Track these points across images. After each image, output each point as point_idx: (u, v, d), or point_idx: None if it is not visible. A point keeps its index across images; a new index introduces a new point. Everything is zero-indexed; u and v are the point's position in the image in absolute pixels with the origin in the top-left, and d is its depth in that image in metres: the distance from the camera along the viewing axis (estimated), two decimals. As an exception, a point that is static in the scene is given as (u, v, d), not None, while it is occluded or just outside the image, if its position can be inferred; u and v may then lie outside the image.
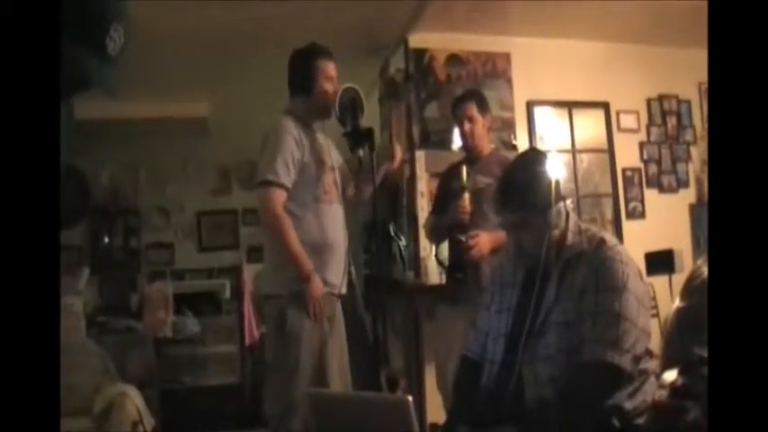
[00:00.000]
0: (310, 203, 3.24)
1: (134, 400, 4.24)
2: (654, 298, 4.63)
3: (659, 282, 4.66)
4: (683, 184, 5.78)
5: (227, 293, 7.25)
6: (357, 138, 3.23)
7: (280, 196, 3.14)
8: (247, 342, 6.80)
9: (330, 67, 3.35)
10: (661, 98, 5.78)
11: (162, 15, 4.23)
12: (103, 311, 6.70)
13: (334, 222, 3.30)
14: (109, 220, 7.30)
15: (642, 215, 5.62)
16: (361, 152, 3.24)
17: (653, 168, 5.72)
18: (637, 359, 2.17)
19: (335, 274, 3.27)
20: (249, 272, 7.09)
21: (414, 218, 5.07)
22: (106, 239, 7.33)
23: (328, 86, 3.33)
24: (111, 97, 1.91)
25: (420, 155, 5.10)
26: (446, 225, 3.74)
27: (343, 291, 3.35)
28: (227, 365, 7.00)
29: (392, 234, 5.51)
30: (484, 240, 3.54)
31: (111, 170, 7.10)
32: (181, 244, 7.57)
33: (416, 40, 5.21)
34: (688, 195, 5.76)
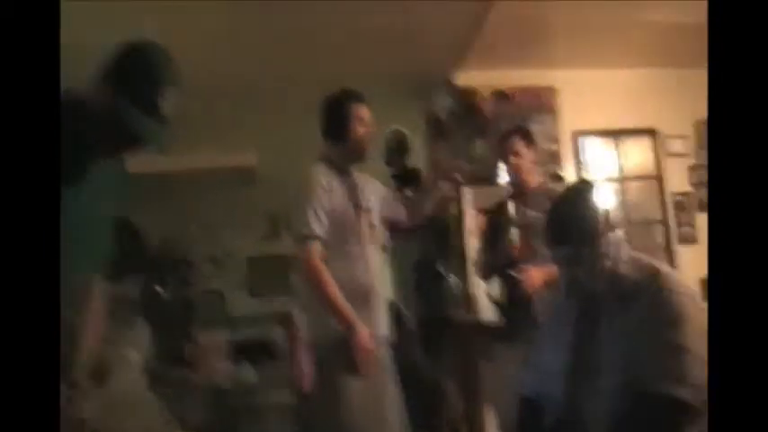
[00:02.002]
0: (347, 249, 3.19)
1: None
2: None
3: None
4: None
5: (281, 341, 7.21)
6: (404, 179, 3.20)
7: (316, 248, 3.10)
8: (303, 390, 6.72)
9: (363, 111, 3.32)
10: (710, 120, 5.67)
11: (208, 70, 4.29)
12: (158, 362, 6.69)
13: (373, 266, 3.26)
14: (161, 271, 7.33)
15: (694, 240, 5.52)
16: (408, 193, 3.20)
17: (704, 192, 5.62)
18: (703, 391, 2.09)
19: (379, 318, 3.22)
20: (301, 319, 6.99)
21: (462, 255, 5.02)
22: (159, 290, 7.36)
23: (362, 130, 3.30)
24: (162, 154, 1.99)
25: (467, 192, 5.07)
26: (496, 261, 3.68)
27: (389, 334, 3.29)
28: (284, 414, 6.93)
29: (442, 273, 5.45)
30: (535, 275, 3.47)
31: (162, 222, 7.16)
32: (233, 292, 7.58)
33: (461, 77, 5.21)
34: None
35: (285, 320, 7.37)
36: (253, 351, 7.09)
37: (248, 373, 6.98)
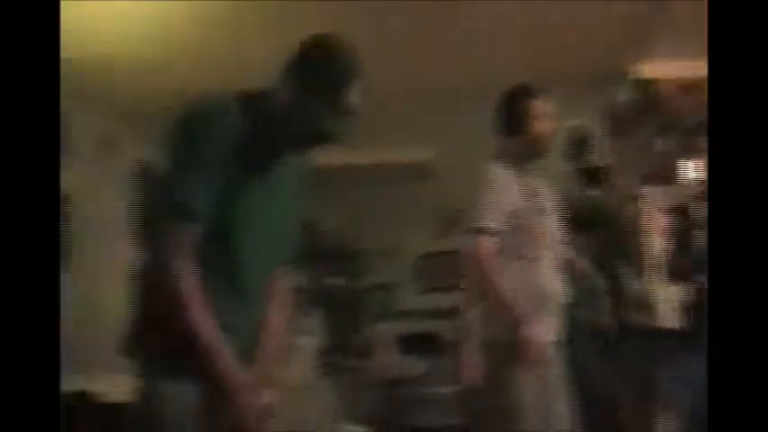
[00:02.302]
0: (522, 251, 3.12)
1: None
2: None
3: None
4: None
5: (449, 335, 7.19)
6: (588, 176, 3.10)
7: (488, 243, 3.06)
8: (467, 383, 6.68)
9: (541, 107, 3.25)
10: None
11: (383, 66, 4.32)
12: (329, 350, 6.84)
13: (548, 269, 3.18)
14: (334, 264, 7.48)
15: None
16: (591, 191, 3.10)
17: None
18: None
19: (552, 320, 3.15)
20: (470, 314, 6.95)
21: (642, 257, 4.81)
22: (330, 281, 7.51)
23: (540, 126, 3.23)
24: (349, 150, 1.99)
25: (648, 191, 4.86)
26: (684, 265, 3.50)
27: (562, 335, 3.21)
28: (450, 407, 6.91)
29: (620, 275, 5.25)
30: None
31: (336, 214, 7.31)
32: (403, 286, 7.62)
33: (644, 69, 4.99)
34: None
35: (453, 315, 7.38)
36: (420, 344, 7.10)
37: (416, 365, 7.01)
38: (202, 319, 1.84)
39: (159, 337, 1.91)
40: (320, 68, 1.93)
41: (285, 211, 2.09)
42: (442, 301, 7.47)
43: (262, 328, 2.11)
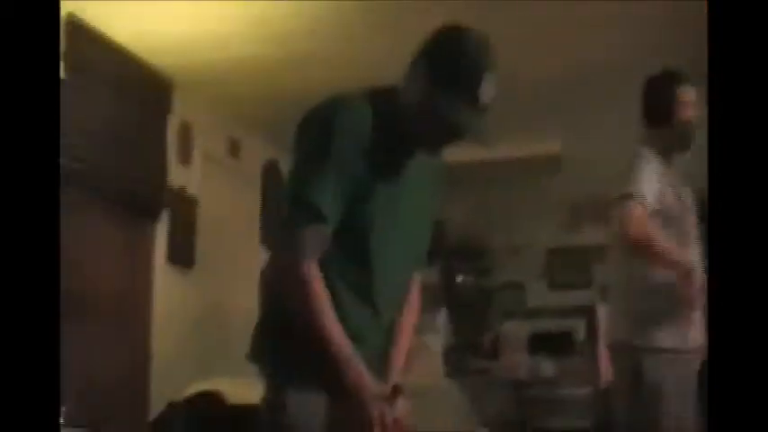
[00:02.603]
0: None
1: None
2: None
3: None
4: None
5: (582, 334, 6.98)
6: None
7: (644, 213, 2.83)
8: (601, 386, 6.49)
9: (690, 93, 3.06)
10: None
11: (517, 58, 4.13)
12: (456, 349, 6.75)
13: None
14: (461, 261, 7.37)
15: None
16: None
17: None
18: None
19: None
20: (603, 312, 6.75)
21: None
22: (459, 279, 7.40)
23: (688, 114, 3.03)
24: (483, 146, 1.83)
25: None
26: None
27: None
28: (580, 409, 6.70)
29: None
30: None
31: (463, 211, 7.17)
32: (532, 283, 7.42)
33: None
34: None
35: (586, 313, 7.14)
36: (552, 343, 6.91)
37: (547, 366, 6.82)
38: (332, 326, 1.77)
39: (288, 343, 1.84)
40: (453, 60, 1.79)
41: (418, 213, 1.97)
42: (574, 298, 7.29)
43: (393, 336, 2.02)
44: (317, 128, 1.81)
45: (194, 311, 5.08)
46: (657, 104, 3.08)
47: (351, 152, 1.77)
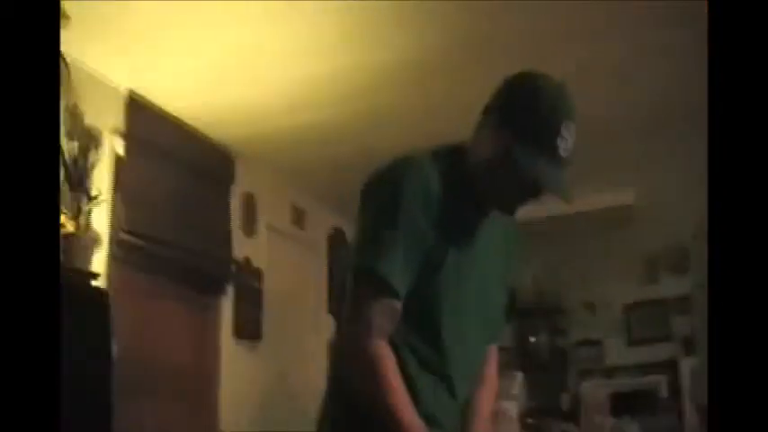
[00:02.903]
0: None
1: None
2: None
3: None
4: None
5: (664, 391, 6.67)
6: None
7: None
8: None
9: None
10: None
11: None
12: (533, 413, 6.50)
13: None
14: (534, 321, 7.14)
15: None
16: None
17: None
18: None
19: None
20: (686, 367, 6.49)
21: None
22: (532, 339, 7.17)
23: None
24: (564, 200, 1.65)
25: None
26: None
27: None
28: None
29: None
30: None
31: (534, 269, 6.98)
32: (610, 340, 7.15)
33: None
34: None
35: (668, 368, 6.84)
36: (634, 403, 6.59)
37: (630, 428, 6.51)
38: (404, 408, 1.60)
39: (356, 427, 1.69)
40: (528, 109, 1.65)
41: (493, 279, 1.82)
42: (655, 353, 7.00)
43: (470, 416, 1.85)
44: (383, 192, 1.67)
45: (263, 387, 4.97)
46: None
47: (420, 217, 1.63)
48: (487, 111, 1.73)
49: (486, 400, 1.90)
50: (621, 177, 5.95)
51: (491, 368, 1.93)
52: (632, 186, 6.14)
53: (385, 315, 1.61)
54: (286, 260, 5.49)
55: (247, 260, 5.00)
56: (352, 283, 1.66)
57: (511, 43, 3.85)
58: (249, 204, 5.11)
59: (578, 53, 3.98)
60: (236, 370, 4.78)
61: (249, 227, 5.09)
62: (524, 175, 1.65)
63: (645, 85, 4.45)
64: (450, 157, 1.73)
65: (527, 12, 3.65)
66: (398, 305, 1.62)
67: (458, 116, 1.92)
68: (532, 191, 1.70)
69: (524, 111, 1.65)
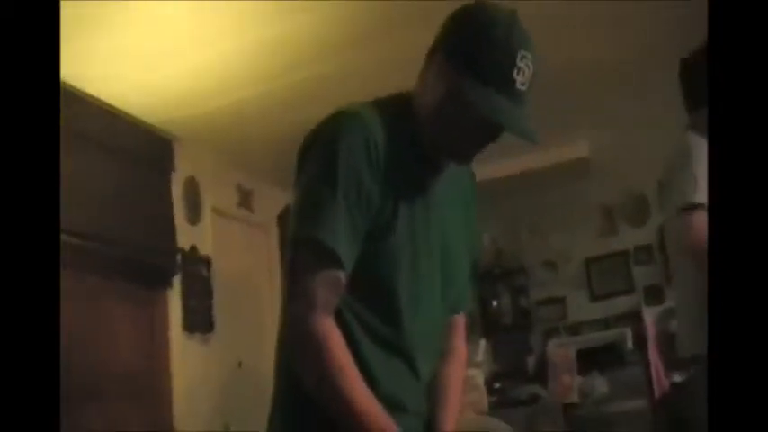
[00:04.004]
0: None
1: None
2: None
3: None
4: None
5: (629, 343, 6.67)
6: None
7: (704, 220, 2.48)
8: (657, 394, 6.20)
9: None
10: None
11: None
12: (500, 377, 6.46)
13: None
14: (495, 283, 7.04)
15: None
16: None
17: None
18: None
19: None
20: (650, 316, 6.47)
21: None
22: (494, 303, 7.08)
23: None
24: (526, 140, 1.46)
25: None
26: None
27: None
28: (637, 423, 6.37)
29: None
30: None
31: (491, 231, 6.87)
32: (572, 296, 7.11)
33: None
34: None
35: (632, 320, 6.83)
36: (601, 358, 6.57)
37: (599, 383, 6.49)
38: (358, 391, 1.43)
39: (307, 418, 1.51)
40: (478, 41, 1.46)
41: (453, 241, 1.65)
42: (618, 306, 6.99)
43: (438, 395, 1.68)
44: (320, 150, 1.50)
45: (217, 380, 4.80)
46: (700, 85, 2.64)
47: (363, 175, 1.46)
48: (433, 50, 1.54)
49: (454, 378, 1.73)
50: (576, 131, 5.84)
51: (458, 339, 1.76)
52: (587, 139, 6.07)
53: (328, 287, 1.44)
54: (235, 245, 5.32)
55: (193, 248, 4.80)
56: (291, 254, 1.49)
57: None
58: (192, 189, 4.90)
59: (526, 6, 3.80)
60: (190, 365, 4.62)
61: (193, 213, 4.88)
62: (479, 115, 1.45)
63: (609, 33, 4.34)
64: (395, 106, 1.56)
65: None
66: (343, 275, 1.45)
67: (403, 77, 1.70)
68: (489, 133, 1.51)
69: (474, 42, 1.46)
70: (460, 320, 1.76)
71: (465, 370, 1.79)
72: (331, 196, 1.44)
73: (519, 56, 1.44)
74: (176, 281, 4.64)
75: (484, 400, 5.37)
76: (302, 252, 1.46)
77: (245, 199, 5.49)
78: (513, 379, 6.51)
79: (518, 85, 1.44)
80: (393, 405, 1.48)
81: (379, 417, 1.43)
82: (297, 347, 1.48)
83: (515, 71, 1.44)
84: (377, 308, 1.52)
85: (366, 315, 1.51)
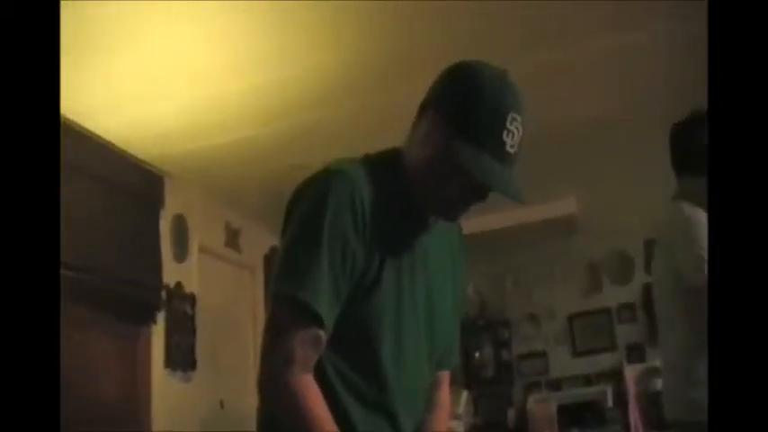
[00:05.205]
0: None
1: None
2: None
3: None
4: None
5: (610, 401, 6.65)
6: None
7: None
8: None
9: None
10: None
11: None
12: (479, 430, 6.42)
13: None
14: (478, 335, 7.04)
15: None
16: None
17: None
18: None
19: None
20: (631, 373, 6.51)
21: None
22: (477, 355, 7.06)
23: None
24: (513, 200, 1.47)
25: None
26: None
27: None
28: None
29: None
30: None
31: (475, 282, 6.88)
32: (554, 351, 7.10)
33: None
34: None
35: (613, 378, 6.82)
36: (581, 415, 6.55)
37: (578, 440, 6.46)
38: None
39: None
40: (469, 102, 1.47)
41: (439, 298, 1.63)
42: (599, 363, 6.99)
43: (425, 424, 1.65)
44: (306, 207, 1.48)
45: (198, 419, 4.72)
46: (691, 151, 2.71)
47: (349, 233, 1.45)
48: (424, 107, 1.55)
49: (438, 429, 1.70)
50: (564, 187, 5.87)
51: (443, 393, 1.74)
52: (574, 196, 6.10)
53: (308, 345, 1.43)
54: (220, 284, 5.28)
55: (179, 285, 4.77)
56: (272, 308, 1.47)
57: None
58: (180, 226, 4.89)
59: (533, 57, 3.87)
60: (171, 402, 4.54)
61: (180, 250, 4.86)
62: (468, 174, 1.46)
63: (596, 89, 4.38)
64: (384, 163, 1.56)
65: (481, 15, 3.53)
66: (323, 334, 1.44)
67: (397, 127, 1.74)
68: (477, 192, 1.52)
69: (465, 103, 1.47)
70: (446, 375, 1.76)
71: (449, 422, 1.79)
72: (315, 256, 1.43)
73: (509, 118, 1.45)
74: (160, 317, 4.60)
75: (463, 452, 5.35)
76: (283, 308, 1.46)
77: (233, 238, 5.48)
78: (493, 431, 6.48)
79: (507, 147, 1.46)
80: None
81: None
82: (274, 401, 1.47)
83: (505, 133, 1.45)
84: (359, 365, 1.51)
85: (348, 371, 1.50)
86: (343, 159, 1.57)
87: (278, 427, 1.49)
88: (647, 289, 6.60)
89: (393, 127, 1.87)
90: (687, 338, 2.59)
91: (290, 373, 1.41)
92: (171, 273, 4.72)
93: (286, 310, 1.44)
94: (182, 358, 4.69)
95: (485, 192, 1.51)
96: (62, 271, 3.63)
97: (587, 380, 6.96)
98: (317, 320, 1.42)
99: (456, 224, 1.72)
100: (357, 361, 1.50)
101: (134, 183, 4.54)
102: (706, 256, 2.43)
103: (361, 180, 1.50)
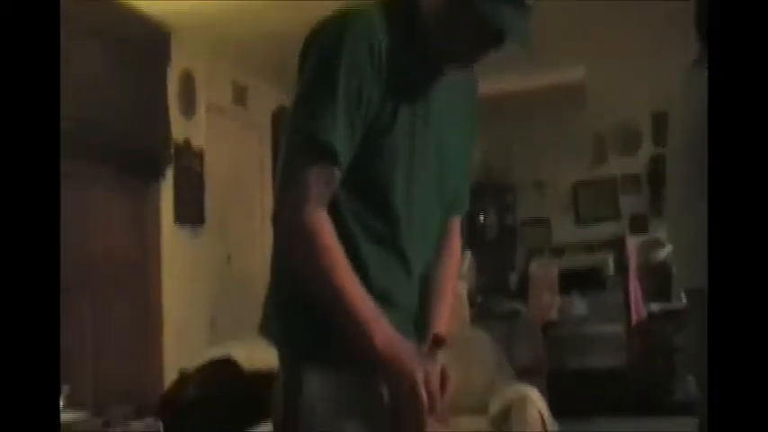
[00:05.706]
0: None
1: (536, 404, 3.87)
2: None
3: None
4: None
5: (611, 269, 6.77)
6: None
7: None
8: (634, 321, 6.34)
9: None
10: None
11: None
12: (481, 291, 6.55)
13: None
14: (483, 198, 7.09)
15: None
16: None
17: None
18: None
19: None
20: (632, 244, 6.59)
21: None
22: (481, 218, 7.14)
23: None
24: (527, 52, 1.49)
25: None
26: None
27: None
28: (612, 347, 6.53)
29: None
30: None
31: (482, 146, 6.88)
32: (558, 218, 7.17)
33: None
34: None
35: (615, 247, 6.92)
36: (582, 280, 6.68)
37: (579, 305, 6.62)
38: (349, 285, 1.44)
39: (299, 311, 1.53)
40: None
41: (452, 143, 1.65)
42: (602, 232, 7.06)
43: (431, 289, 1.68)
44: (323, 47, 1.47)
45: (206, 272, 4.83)
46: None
47: (365, 74, 1.45)
48: None
49: (448, 275, 1.72)
50: (574, 56, 5.77)
51: (453, 239, 1.76)
52: (584, 64, 6.00)
53: (323, 182, 1.45)
54: (228, 140, 5.29)
55: (187, 141, 4.78)
56: (287, 148, 1.48)
57: None
58: (187, 82, 4.85)
59: None
60: (180, 256, 4.63)
61: (188, 106, 4.84)
62: (485, 20, 1.45)
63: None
64: (402, 7, 1.54)
65: None
66: (338, 171, 1.46)
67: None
68: (493, 39, 1.51)
69: None
70: (456, 222, 1.77)
71: (459, 269, 1.80)
72: (331, 95, 1.43)
73: None
74: (169, 173, 4.63)
75: (465, 311, 5.45)
76: (299, 146, 1.47)
77: (240, 95, 5.45)
78: (495, 294, 6.60)
79: None
80: (383, 300, 1.49)
81: (367, 308, 1.44)
82: (288, 236, 1.49)
83: None
84: (373, 205, 1.53)
85: (362, 211, 1.52)
86: (360, 2, 1.55)
87: (288, 268, 1.53)
88: (654, 161, 6.63)
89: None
90: (704, 209, 2.59)
91: (304, 209, 1.43)
92: (179, 129, 4.72)
93: (302, 147, 1.46)
94: (191, 213, 4.76)
95: (498, 38, 1.50)
96: (67, 125, 3.68)
97: (590, 248, 7.07)
98: (332, 157, 1.44)
99: (472, 80, 1.72)
100: (370, 200, 1.52)
101: (140, 38, 4.46)
102: None
103: (380, 22, 1.48)
